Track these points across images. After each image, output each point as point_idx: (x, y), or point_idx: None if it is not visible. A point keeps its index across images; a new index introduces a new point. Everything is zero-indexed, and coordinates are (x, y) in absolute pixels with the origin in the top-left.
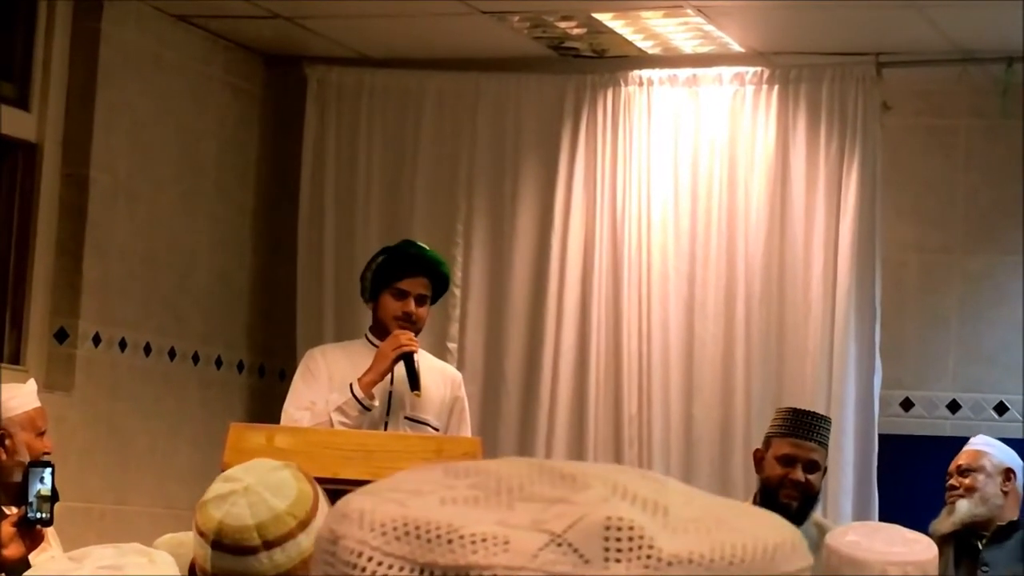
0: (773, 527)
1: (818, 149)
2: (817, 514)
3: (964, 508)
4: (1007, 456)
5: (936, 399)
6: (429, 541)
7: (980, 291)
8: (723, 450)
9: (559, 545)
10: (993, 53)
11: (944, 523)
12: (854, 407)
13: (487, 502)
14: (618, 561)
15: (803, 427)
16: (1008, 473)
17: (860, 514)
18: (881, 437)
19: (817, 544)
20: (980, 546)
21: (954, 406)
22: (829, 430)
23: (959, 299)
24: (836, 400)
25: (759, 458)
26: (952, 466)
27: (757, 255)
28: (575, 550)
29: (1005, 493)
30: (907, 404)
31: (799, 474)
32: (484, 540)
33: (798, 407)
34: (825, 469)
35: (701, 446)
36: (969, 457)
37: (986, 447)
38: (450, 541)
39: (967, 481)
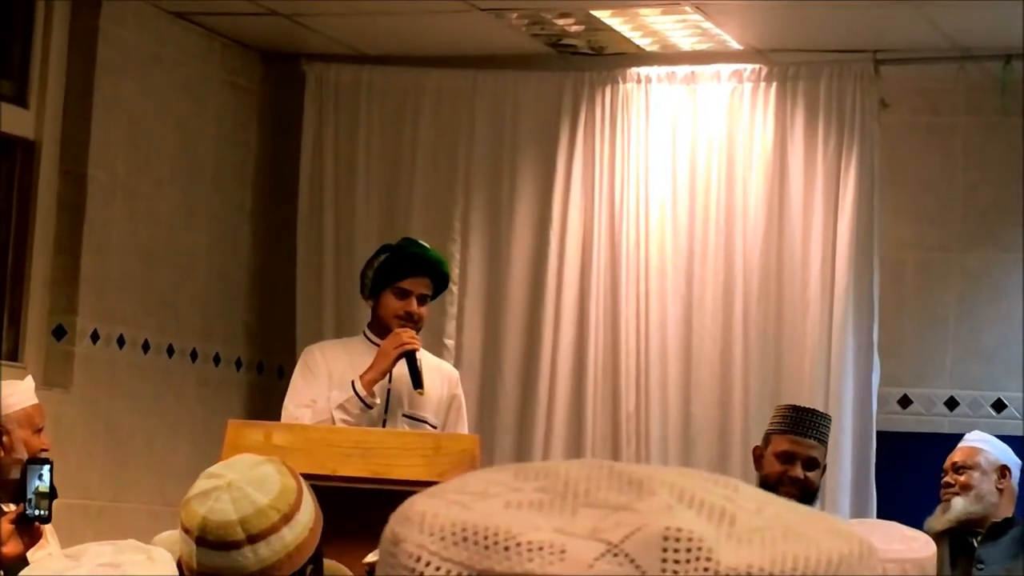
0: (840, 536)
1: (816, 147)
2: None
3: (959, 506)
4: (1002, 453)
5: (934, 396)
6: (487, 548)
7: (978, 289)
8: (721, 447)
9: (615, 555)
10: (991, 50)
11: (939, 520)
12: (852, 404)
13: (551, 507)
14: (675, 573)
15: (803, 424)
16: (1003, 470)
17: (858, 511)
18: (879, 434)
19: None
20: (975, 543)
21: (952, 403)
22: (829, 427)
23: (957, 297)
24: (834, 397)
25: (758, 455)
26: (947, 463)
27: (755, 253)
28: (631, 560)
29: (1000, 490)
30: (905, 401)
31: (798, 471)
32: (540, 548)
33: (798, 404)
34: (824, 467)
35: (699, 443)
36: (964, 454)
37: (982, 444)
38: (507, 548)
39: (962, 478)
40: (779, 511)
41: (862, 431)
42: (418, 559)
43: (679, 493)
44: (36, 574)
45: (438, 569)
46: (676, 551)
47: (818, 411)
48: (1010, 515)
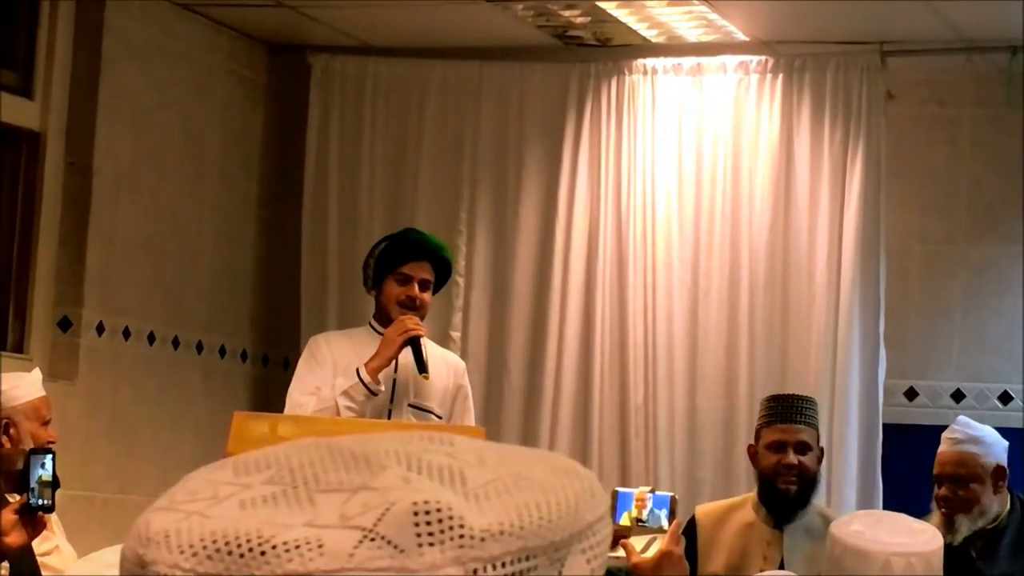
0: (568, 473)
1: (822, 138)
2: (821, 504)
3: (966, 525)
4: (995, 450)
5: (940, 388)
6: (242, 556)
7: (984, 280)
8: (727, 439)
9: (372, 540)
10: (997, 42)
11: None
12: (858, 396)
13: (287, 499)
14: (431, 545)
15: (785, 411)
16: (1000, 471)
17: (864, 503)
18: (885, 427)
19: (821, 534)
20: (974, 554)
21: (958, 395)
22: (815, 410)
23: (963, 289)
24: (840, 389)
25: (753, 453)
26: (941, 469)
27: (761, 244)
28: (389, 542)
29: (998, 492)
30: (911, 393)
31: (791, 457)
32: (298, 546)
33: (780, 394)
34: (822, 451)
35: (705, 435)
36: (962, 465)
37: (975, 447)
38: (263, 553)
39: (963, 493)
40: (499, 456)
41: (868, 423)
42: None
43: (407, 461)
44: (93, 562)
45: None
46: (428, 523)
47: (800, 395)
48: (1003, 511)
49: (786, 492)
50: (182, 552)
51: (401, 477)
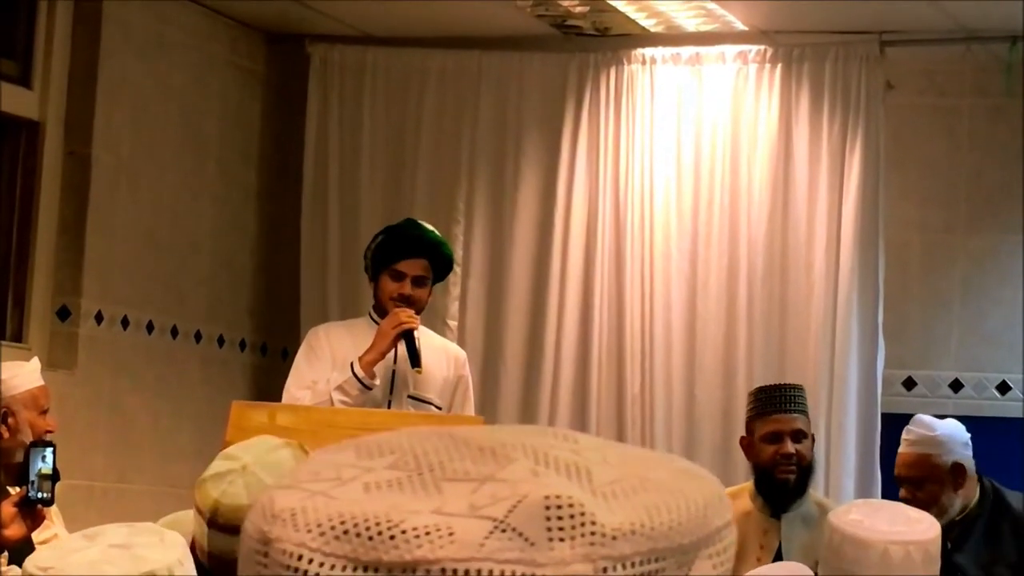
0: (696, 478)
1: (821, 128)
2: (819, 493)
3: None
4: (952, 446)
5: (939, 378)
6: (371, 538)
7: (983, 270)
8: (725, 430)
9: (503, 531)
10: (997, 32)
11: None
12: (857, 386)
13: (412, 485)
14: (562, 540)
15: (778, 400)
16: (957, 469)
17: (862, 493)
18: (883, 416)
19: (818, 523)
20: (948, 545)
21: (956, 385)
22: (805, 396)
23: (962, 278)
24: (839, 379)
25: (746, 445)
26: (898, 472)
27: (760, 234)
28: (520, 534)
29: (958, 489)
30: (910, 383)
31: (788, 447)
32: (428, 533)
33: (769, 384)
34: (813, 437)
35: (703, 426)
36: (917, 466)
37: (928, 448)
38: (392, 537)
39: (921, 495)
40: (621, 456)
41: (867, 413)
42: (300, 557)
43: (534, 455)
44: (50, 553)
45: (322, 565)
46: (560, 519)
47: (789, 384)
48: (971, 503)
49: (785, 482)
50: (309, 531)
51: (529, 470)
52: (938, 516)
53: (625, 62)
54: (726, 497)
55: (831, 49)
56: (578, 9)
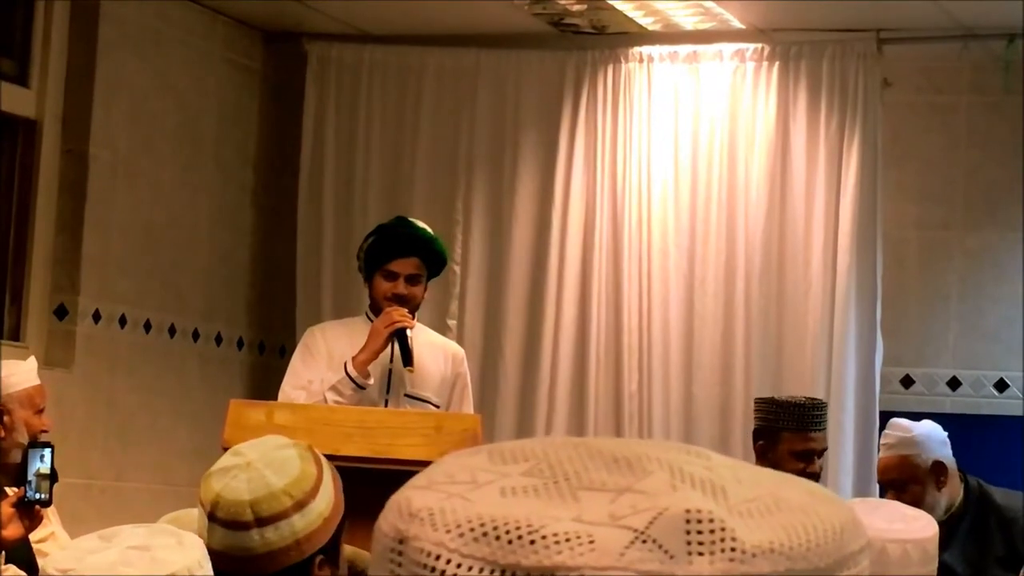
0: (830, 502)
1: (818, 126)
2: None
3: None
4: (931, 445)
5: (936, 376)
6: (510, 542)
7: (980, 268)
8: (722, 427)
9: (644, 542)
10: (994, 29)
11: None
12: (855, 384)
13: (548, 492)
14: (701, 555)
15: (815, 419)
16: (938, 468)
17: (861, 491)
18: (881, 414)
19: None
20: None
21: (954, 383)
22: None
23: (959, 276)
24: (837, 377)
25: (762, 452)
26: (880, 477)
27: (757, 232)
28: (660, 546)
29: (941, 488)
30: (907, 381)
31: (817, 467)
32: (568, 539)
33: (803, 400)
34: None
35: (701, 423)
36: (896, 469)
37: (906, 449)
38: (532, 542)
39: (905, 497)
40: (754, 476)
41: (865, 411)
42: (437, 557)
43: (669, 469)
44: (67, 555)
45: (459, 566)
46: (700, 533)
47: (819, 400)
48: (956, 500)
49: None
50: (448, 531)
51: (668, 483)
52: None
53: (622, 60)
54: (861, 523)
55: (828, 47)
56: (575, 7)
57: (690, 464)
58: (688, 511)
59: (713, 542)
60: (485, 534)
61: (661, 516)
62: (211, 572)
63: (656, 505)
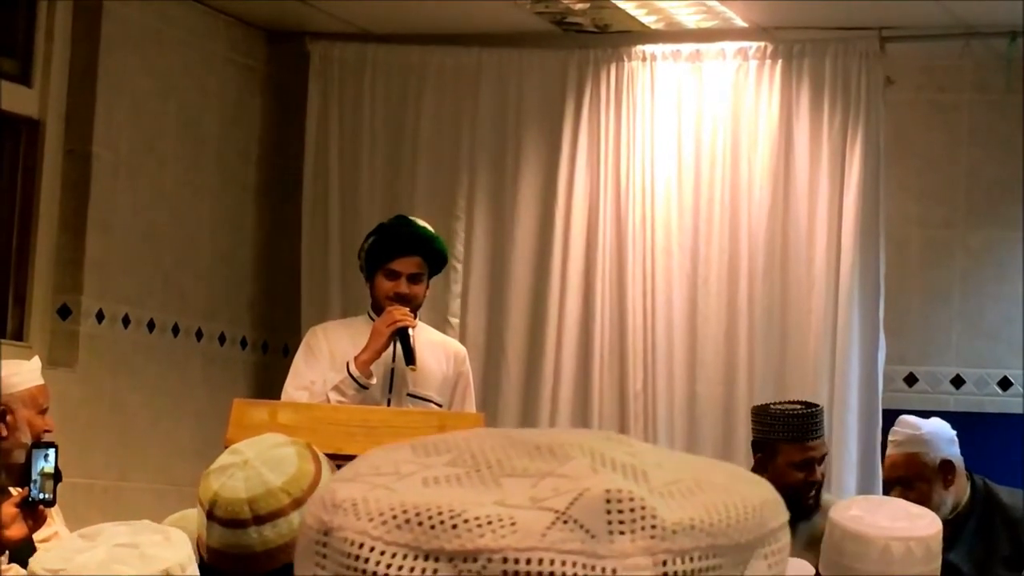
0: (750, 482)
1: (821, 124)
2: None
3: None
4: (939, 444)
5: (940, 374)
6: (432, 527)
7: (983, 266)
8: (726, 426)
9: (565, 522)
10: (997, 27)
11: None
12: (858, 383)
13: (471, 480)
14: (622, 533)
15: (811, 428)
16: (946, 466)
17: (864, 489)
18: (885, 412)
19: (820, 520)
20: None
21: (958, 381)
22: (824, 415)
23: (962, 274)
24: (840, 376)
25: (761, 465)
26: (888, 474)
27: (760, 231)
28: (581, 526)
29: (948, 486)
30: (911, 379)
31: (818, 475)
32: (490, 522)
33: (798, 409)
34: None
35: (705, 422)
36: (905, 466)
37: (916, 447)
38: (455, 526)
39: (912, 495)
40: (678, 461)
41: (868, 409)
42: (361, 546)
43: (591, 454)
44: (55, 555)
45: (383, 553)
46: (620, 511)
47: (815, 406)
48: (962, 499)
49: (809, 508)
50: (371, 520)
51: (589, 467)
52: None
53: (625, 59)
54: (780, 501)
55: (831, 45)
56: (578, 6)
57: (612, 450)
58: (608, 491)
59: (634, 520)
60: (408, 521)
61: (582, 497)
62: (196, 567)
63: (577, 487)
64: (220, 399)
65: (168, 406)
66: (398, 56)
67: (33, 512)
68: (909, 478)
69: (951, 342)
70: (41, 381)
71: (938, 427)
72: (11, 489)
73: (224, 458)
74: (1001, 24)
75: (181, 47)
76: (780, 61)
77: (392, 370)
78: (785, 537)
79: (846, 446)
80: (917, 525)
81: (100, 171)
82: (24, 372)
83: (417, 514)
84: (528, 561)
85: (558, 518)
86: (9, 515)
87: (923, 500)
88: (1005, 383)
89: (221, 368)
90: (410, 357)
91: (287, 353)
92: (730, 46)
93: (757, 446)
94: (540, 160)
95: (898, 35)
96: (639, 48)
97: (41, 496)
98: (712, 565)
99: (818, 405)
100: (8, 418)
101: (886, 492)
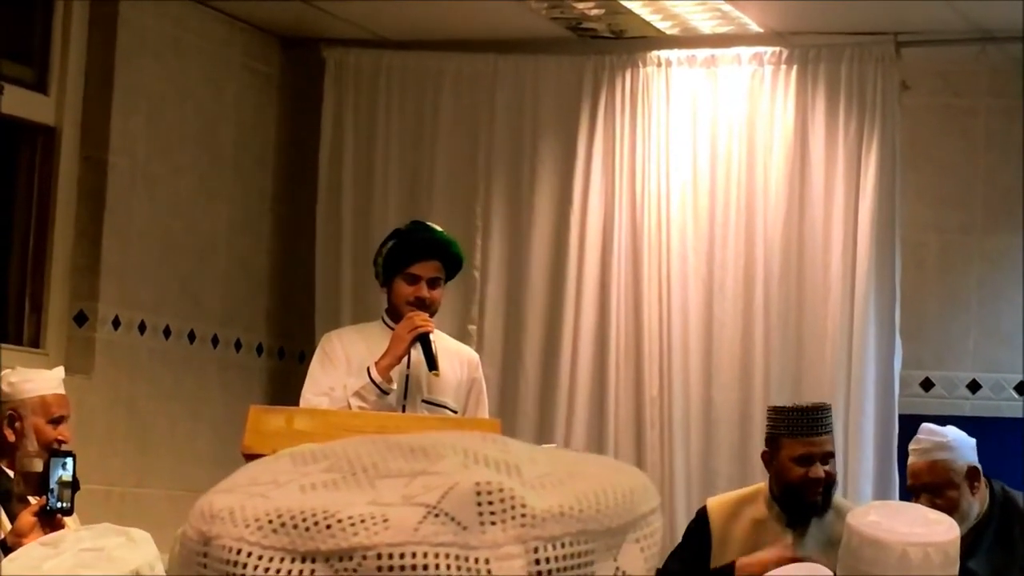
0: (621, 471)
1: (837, 129)
2: (836, 494)
3: None
4: (964, 452)
5: (956, 379)
6: (307, 529)
7: (999, 271)
8: (742, 432)
9: (436, 516)
10: (1012, 32)
11: None
12: (874, 388)
13: (347, 484)
14: (493, 524)
15: (812, 423)
16: (973, 472)
17: (880, 495)
18: (901, 417)
19: (834, 528)
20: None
21: (974, 386)
22: (832, 415)
23: (978, 279)
24: (856, 381)
25: (768, 459)
26: (915, 480)
27: (776, 236)
28: (452, 518)
29: (975, 493)
30: (927, 384)
31: (819, 471)
32: (363, 521)
33: (804, 405)
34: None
35: (720, 427)
36: (934, 473)
37: (944, 453)
38: (329, 527)
39: (941, 501)
40: (551, 457)
41: (884, 415)
42: (238, 552)
43: (463, 452)
44: (20, 563)
45: (260, 558)
46: (491, 503)
47: (820, 405)
48: (984, 507)
49: (814, 504)
50: (247, 526)
51: (460, 464)
52: (959, 522)
53: (640, 64)
54: (652, 487)
55: (846, 50)
56: (593, 11)
57: (485, 448)
58: (478, 483)
59: (504, 510)
60: (283, 525)
61: (452, 491)
62: (163, 570)
63: (448, 482)
64: (236, 405)
65: (184, 413)
66: (414, 62)
67: (51, 521)
68: (938, 485)
69: (968, 347)
70: (58, 390)
71: (961, 434)
72: (29, 498)
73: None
74: (1017, 29)
75: (197, 54)
76: (795, 66)
77: (407, 376)
78: (657, 522)
79: (862, 451)
80: (935, 531)
81: (116, 178)
82: (38, 379)
83: (292, 518)
84: (402, 555)
85: (429, 512)
86: (27, 524)
87: (952, 507)
88: (1022, 388)
89: (237, 375)
90: (432, 363)
91: (303, 359)
92: (745, 51)
93: (766, 442)
94: (556, 166)
95: (914, 40)
96: (654, 54)
97: (59, 505)
98: (583, 551)
99: (826, 404)
100: (16, 424)
101: (912, 501)
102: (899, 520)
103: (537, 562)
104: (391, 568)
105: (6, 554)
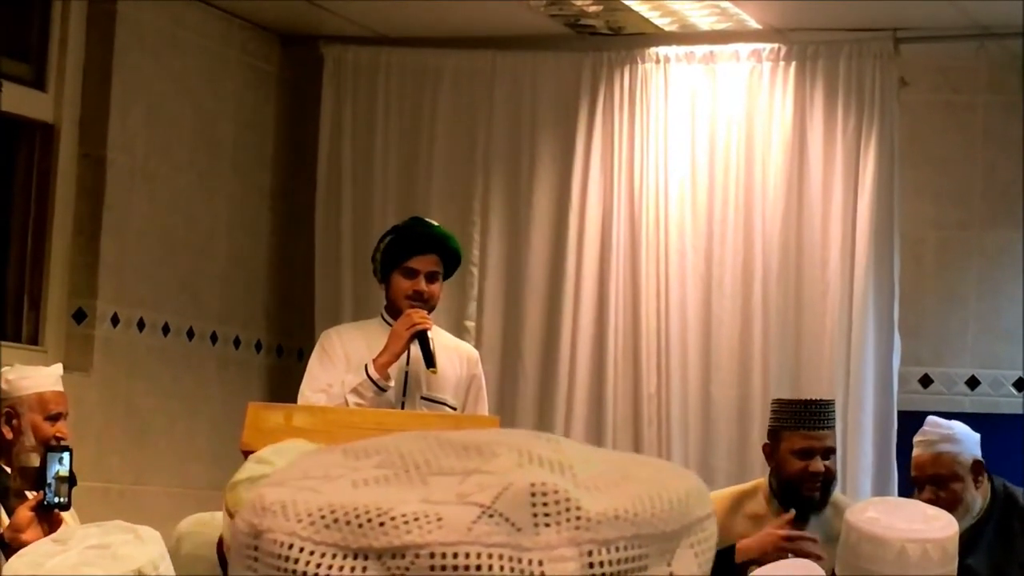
0: (676, 474)
1: (835, 126)
2: (835, 491)
3: None
4: (969, 445)
5: (955, 376)
6: (360, 526)
7: (998, 267)
8: (740, 428)
9: (491, 516)
10: (1011, 28)
11: None
12: (873, 384)
13: (399, 480)
14: (547, 525)
15: (814, 417)
16: (978, 466)
17: (879, 491)
18: (900, 414)
19: (832, 524)
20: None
21: (973, 382)
22: (835, 411)
23: (977, 275)
24: (855, 377)
25: (769, 452)
26: (920, 472)
27: (774, 232)
28: (507, 519)
29: (979, 486)
30: (926, 381)
31: (819, 465)
32: (416, 519)
33: (803, 398)
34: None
35: (719, 424)
36: (940, 465)
37: (950, 446)
38: (382, 524)
39: (945, 494)
40: (604, 457)
41: (883, 411)
42: (290, 547)
43: (517, 451)
44: (26, 560)
45: (312, 553)
46: (545, 504)
47: (823, 400)
48: (985, 502)
49: (811, 499)
50: (299, 521)
51: (514, 463)
52: (962, 515)
53: (639, 61)
54: (707, 491)
55: (845, 46)
56: (592, 8)
57: (539, 447)
58: (533, 484)
59: (559, 512)
60: (336, 520)
61: (507, 491)
62: (171, 568)
63: (502, 482)
64: (235, 402)
65: (183, 410)
66: (412, 59)
67: (48, 516)
68: (943, 477)
69: (966, 343)
70: (56, 387)
71: (966, 427)
72: (27, 493)
73: (252, 467)
74: (1016, 25)
75: (195, 51)
76: (794, 63)
77: (406, 373)
78: (712, 527)
79: (861, 448)
80: (933, 527)
81: (115, 175)
82: (36, 376)
83: (345, 514)
84: (455, 555)
85: (484, 512)
86: (24, 519)
87: (955, 500)
88: (1021, 384)
89: (236, 371)
90: (430, 360)
91: (302, 357)
92: (744, 48)
93: (768, 434)
94: (554, 162)
95: (912, 36)
96: (653, 50)
97: (56, 500)
98: (637, 555)
99: (830, 399)
100: (14, 421)
101: (915, 493)
102: (898, 516)
103: (591, 565)
104: (443, 567)
105: (3, 549)
